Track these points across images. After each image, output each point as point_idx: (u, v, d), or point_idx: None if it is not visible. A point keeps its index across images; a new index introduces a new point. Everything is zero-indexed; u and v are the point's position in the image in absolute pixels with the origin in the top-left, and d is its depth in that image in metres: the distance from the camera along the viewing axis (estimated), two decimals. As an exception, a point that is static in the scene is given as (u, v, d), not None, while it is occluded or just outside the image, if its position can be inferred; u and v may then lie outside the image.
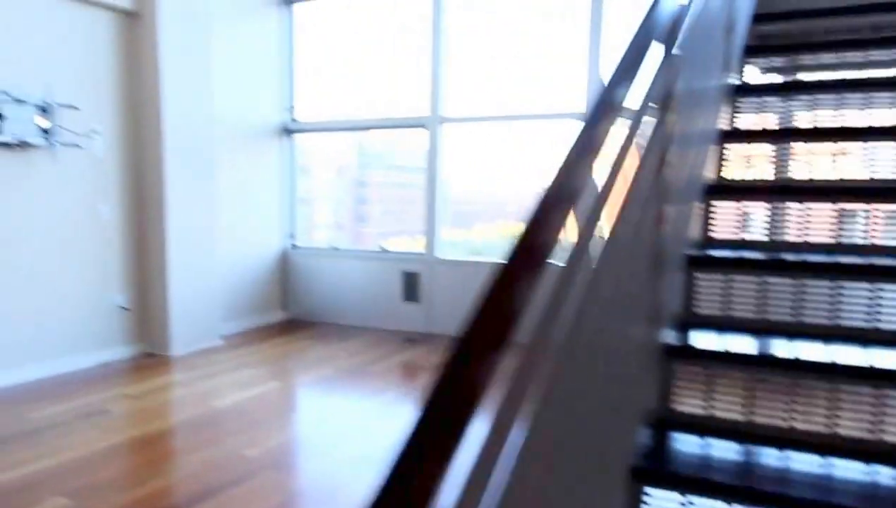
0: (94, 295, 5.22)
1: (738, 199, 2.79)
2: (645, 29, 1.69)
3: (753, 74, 3.77)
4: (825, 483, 1.79)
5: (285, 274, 6.96)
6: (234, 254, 6.35)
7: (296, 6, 6.89)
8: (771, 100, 3.18)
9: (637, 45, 1.64)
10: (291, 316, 6.96)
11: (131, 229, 5.48)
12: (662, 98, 1.91)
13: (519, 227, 1.11)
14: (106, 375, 4.98)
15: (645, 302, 1.98)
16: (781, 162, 3.08)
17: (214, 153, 5.84)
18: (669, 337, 2.20)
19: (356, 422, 4.11)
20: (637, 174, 1.75)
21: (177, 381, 4.88)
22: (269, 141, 6.79)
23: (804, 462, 1.91)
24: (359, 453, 3.61)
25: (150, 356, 5.50)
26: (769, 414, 2.13)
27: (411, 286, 6.36)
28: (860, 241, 2.65)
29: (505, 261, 1.07)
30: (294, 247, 7.00)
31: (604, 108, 1.46)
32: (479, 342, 0.96)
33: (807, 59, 3.73)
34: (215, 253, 5.89)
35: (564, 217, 1.18)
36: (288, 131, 6.92)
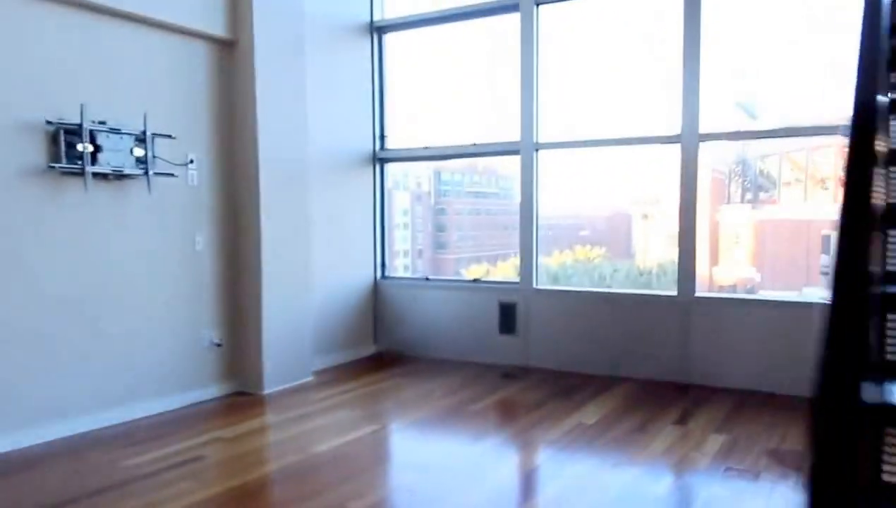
0: (186, 330, 5.02)
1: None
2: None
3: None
4: None
5: (376, 306, 6.68)
6: (326, 286, 6.11)
7: (388, 35, 6.69)
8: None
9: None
10: (382, 349, 6.66)
11: (226, 261, 5.29)
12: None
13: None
14: (199, 416, 4.75)
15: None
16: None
17: (308, 182, 5.62)
18: (869, 391, 1.77)
19: (463, 468, 3.73)
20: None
21: (271, 423, 4.61)
22: (361, 169, 6.55)
23: None
24: (472, 502, 3.25)
25: (242, 395, 5.26)
26: None
27: (507, 317, 5.99)
28: None
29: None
30: (384, 277, 6.72)
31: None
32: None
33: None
34: (310, 285, 5.66)
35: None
36: (379, 160, 6.68)
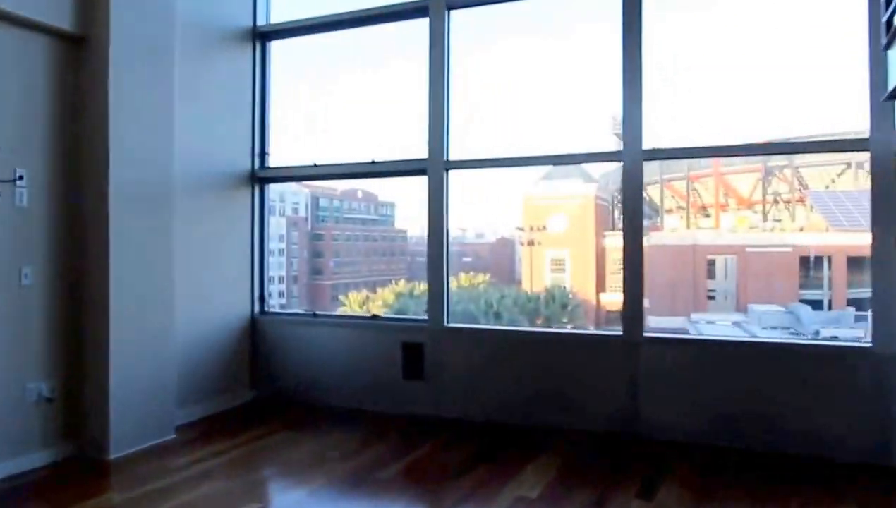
0: (6, 382, 3.95)
1: None
2: None
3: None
4: None
5: (253, 346, 5.73)
6: (194, 323, 5.13)
7: (273, 43, 5.84)
8: None
9: None
10: (261, 396, 5.71)
11: (63, 297, 4.24)
12: None
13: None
14: (16, 494, 3.69)
15: None
16: None
17: (173, 204, 4.67)
18: None
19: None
20: None
21: (115, 504, 3.62)
22: (237, 190, 5.63)
23: None
24: None
25: (81, 461, 4.21)
26: None
27: (414, 360, 5.20)
28: None
29: None
30: (263, 312, 5.80)
31: None
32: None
33: None
34: (172, 324, 4.69)
35: None
36: (258, 180, 5.78)
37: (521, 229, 24.18)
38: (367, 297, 22.28)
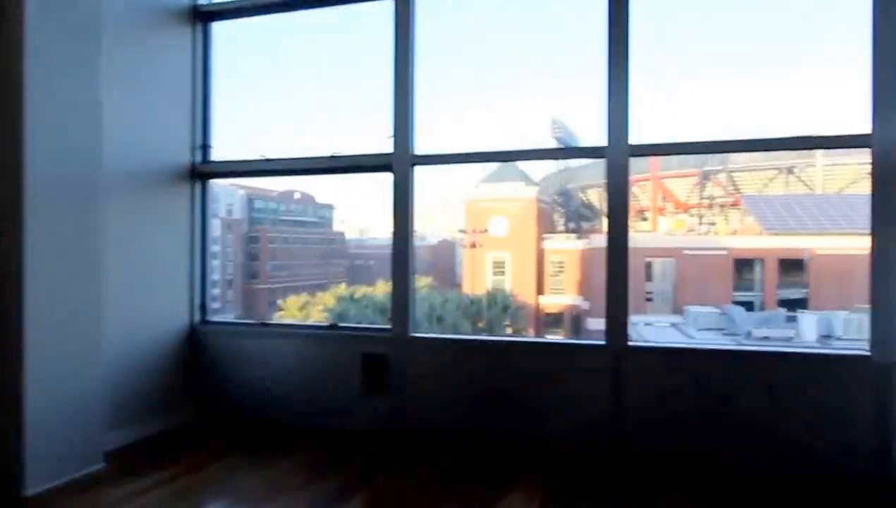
0: None
1: None
2: None
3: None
4: None
5: (195, 359, 5.11)
6: (125, 336, 4.50)
7: (216, 24, 5.24)
8: None
9: None
10: (204, 416, 5.09)
11: (-34, 307, 3.59)
12: None
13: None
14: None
15: None
16: None
17: (100, 202, 4.04)
18: None
19: None
20: None
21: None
22: (176, 187, 5.02)
23: None
24: None
25: (-9, 502, 3.56)
26: None
27: (375, 373, 4.67)
28: None
29: None
30: (205, 322, 5.18)
31: None
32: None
33: None
34: (100, 336, 4.04)
35: None
36: (199, 175, 5.17)
37: (463, 232, 23.75)
38: (307, 302, 21.55)
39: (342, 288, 21.44)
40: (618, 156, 4.23)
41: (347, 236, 29.32)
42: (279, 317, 20.79)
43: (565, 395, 4.29)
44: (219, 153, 5.21)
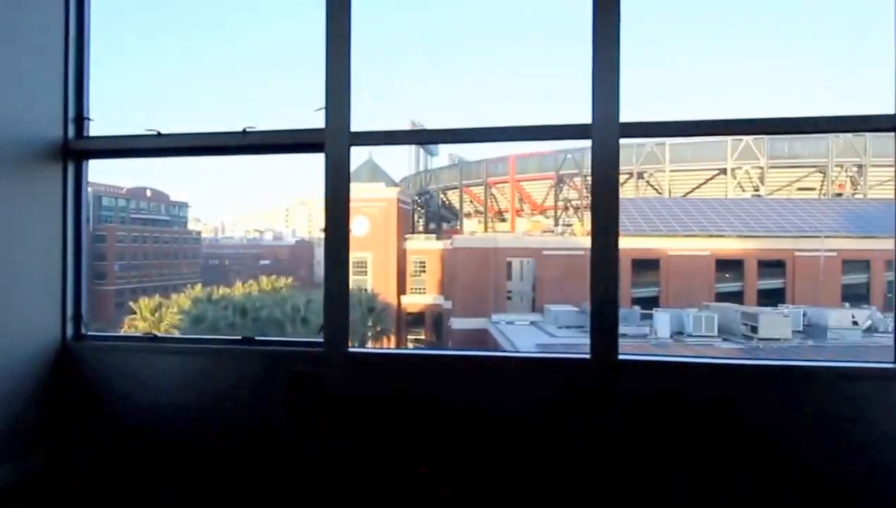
0: None
1: None
2: None
3: None
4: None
5: (66, 385, 3.91)
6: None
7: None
8: None
9: None
10: (77, 461, 3.91)
11: None
12: None
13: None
14: None
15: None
16: None
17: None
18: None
19: None
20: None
21: None
22: (42, 168, 3.83)
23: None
24: None
25: None
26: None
27: (305, 400, 3.72)
28: None
29: None
30: (80, 337, 4.00)
31: None
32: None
33: None
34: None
35: None
36: (73, 153, 3.99)
37: (324, 230, 22.79)
38: (161, 304, 19.64)
39: (198, 290, 19.72)
40: (606, 135, 3.53)
41: (203, 235, 27.37)
42: (130, 321, 18.77)
43: (540, 418, 3.56)
44: (99, 127, 4.05)
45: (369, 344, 20.08)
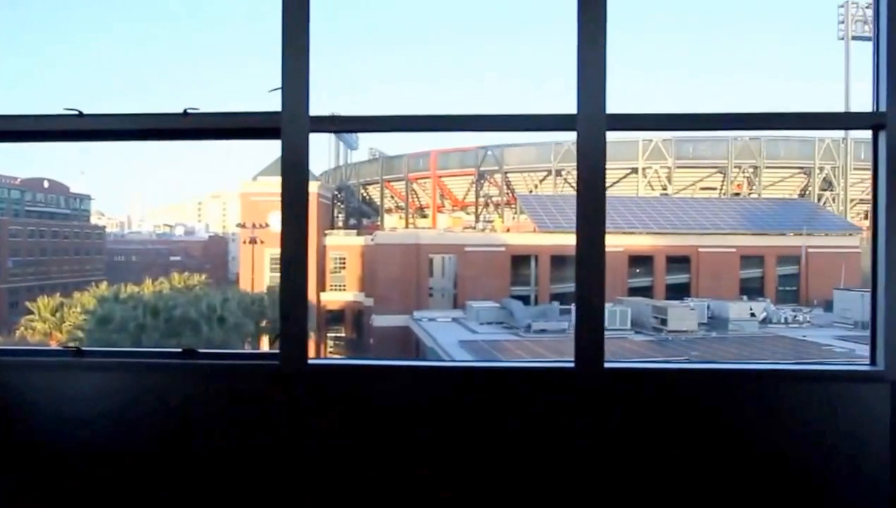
0: None
1: None
2: None
3: None
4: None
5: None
6: None
7: None
8: None
9: None
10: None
11: None
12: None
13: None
14: None
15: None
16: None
17: None
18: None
19: None
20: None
21: None
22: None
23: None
24: None
25: None
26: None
27: (253, 427, 3.17)
28: None
29: None
30: (-19, 351, 3.31)
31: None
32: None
33: None
34: None
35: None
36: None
37: (242, 226, 21.72)
38: (62, 303, 18.21)
39: (104, 288, 18.34)
40: (592, 127, 3.16)
41: (108, 229, 25.61)
42: (27, 322, 17.21)
43: (530, 437, 3.15)
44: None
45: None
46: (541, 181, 26.14)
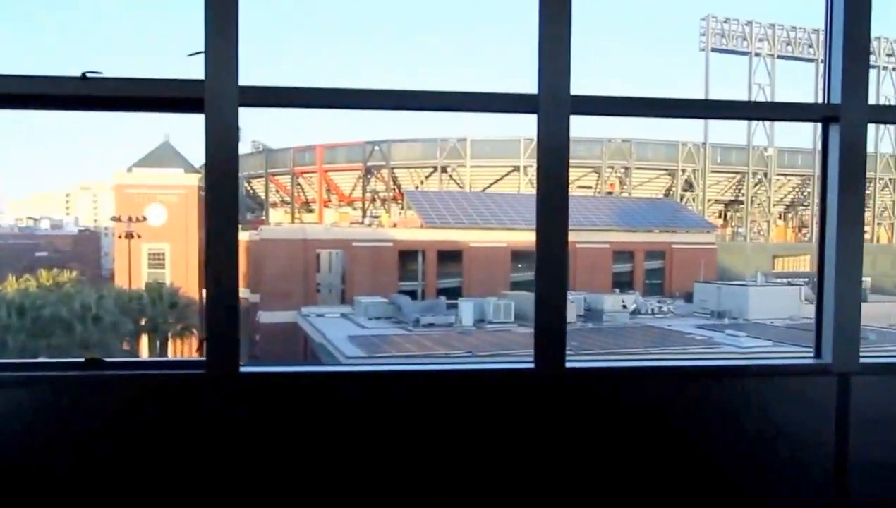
0: None
1: None
2: None
3: None
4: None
5: None
6: None
7: None
8: None
9: None
10: None
11: None
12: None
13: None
14: None
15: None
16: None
17: None
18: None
19: None
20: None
21: None
22: None
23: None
24: None
25: None
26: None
27: (173, 445, 2.67)
28: None
29: None
30: None
31: None
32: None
33: None
34: None
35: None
36: None
37: (117, 219, 20.13)
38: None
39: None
40: (555, 109, 2.87)
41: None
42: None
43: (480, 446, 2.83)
44: None
45: (171, 344, 18.06)
46: (427, 177, 26.00)
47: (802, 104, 3.17)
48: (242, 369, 2.75)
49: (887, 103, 25.21)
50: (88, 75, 2.73)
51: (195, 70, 2.76)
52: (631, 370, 3.06)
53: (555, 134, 2.89)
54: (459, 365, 3.16)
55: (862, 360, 3.01)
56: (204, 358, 2.73)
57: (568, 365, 2.89)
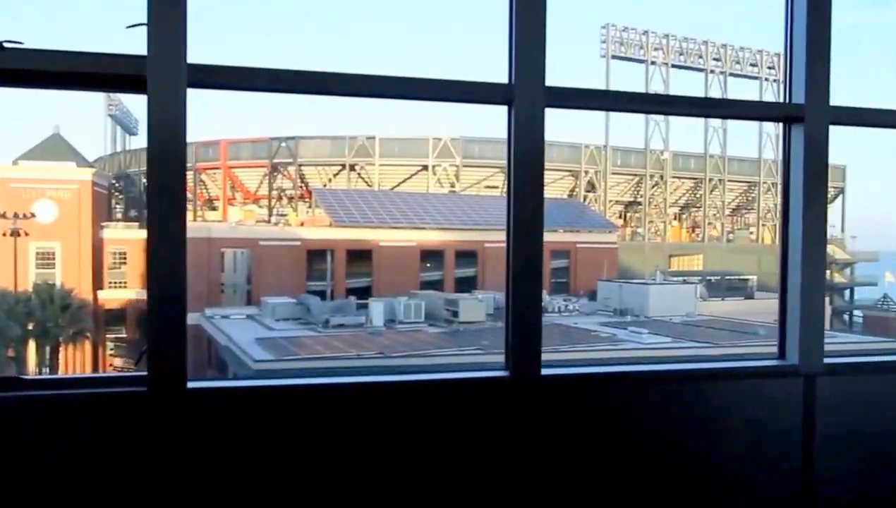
0: None
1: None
2: None
3: None
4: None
5: None
6: None
7: None
8: None
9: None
10: None
11: None
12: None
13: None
14: None
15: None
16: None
17: None
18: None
19: None
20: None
21: None
22: None
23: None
24: None
25: None
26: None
27: (119, 474, 2.31)
28: None
29: None
30: None
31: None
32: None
33: None
34: None
35: None
36: None
37: (1, 216, 18.54)
38: None
39: None
40: (529, 100, 2.66)
41: None
42: None
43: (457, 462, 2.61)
44: None
45: (62, 350, 16.77)
46: (335, 175, 25.45)
47: (765, 103, 3.13)
48: (190, 384, 2.41)
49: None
50: (6, 45, 2.31)
51: (140, 45, 2.41)
52: (608, 375, 2.92)
53: (529, 129, 2.68)
54: (428, 375, 2.91)
55: (826, 361, 3.00)
56: (145, 373, 2.37)
57: (544, 372, 2.71)
